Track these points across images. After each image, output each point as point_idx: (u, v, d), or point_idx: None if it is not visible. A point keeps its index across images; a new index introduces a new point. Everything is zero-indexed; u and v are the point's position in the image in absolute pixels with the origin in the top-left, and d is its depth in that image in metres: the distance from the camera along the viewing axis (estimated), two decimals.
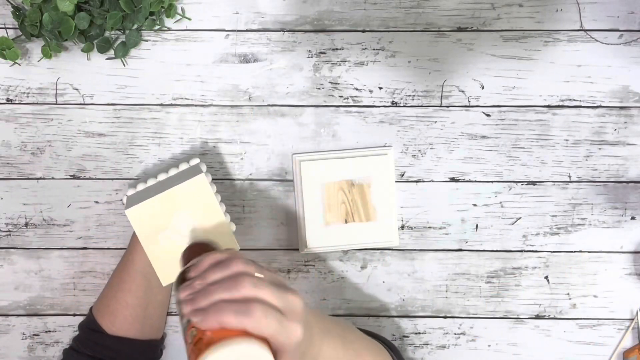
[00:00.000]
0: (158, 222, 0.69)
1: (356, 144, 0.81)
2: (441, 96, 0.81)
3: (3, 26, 0.80)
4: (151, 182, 0.74)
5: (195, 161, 0.75)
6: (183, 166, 0.75)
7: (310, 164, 0.80)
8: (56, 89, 0.80)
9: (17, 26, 0.78)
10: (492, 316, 0.83)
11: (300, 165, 0.80)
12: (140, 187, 0.75)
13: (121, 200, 0.81)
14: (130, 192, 0.75)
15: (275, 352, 0.50)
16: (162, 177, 0.74)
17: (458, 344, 0.83)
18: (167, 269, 0.70)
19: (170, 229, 0.69)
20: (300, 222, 0.81)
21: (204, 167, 0.74)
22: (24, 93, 0.80)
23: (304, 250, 0.81)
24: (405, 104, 0.81)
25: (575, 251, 0.82)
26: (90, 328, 0.75)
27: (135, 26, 0.79)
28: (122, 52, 0.79)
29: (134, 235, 0.76)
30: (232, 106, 0.81)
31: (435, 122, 0.81)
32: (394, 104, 0.81)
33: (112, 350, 0.74)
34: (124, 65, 0.80)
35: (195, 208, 0.69)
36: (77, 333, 0.78)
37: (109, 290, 0.76)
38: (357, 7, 0.80)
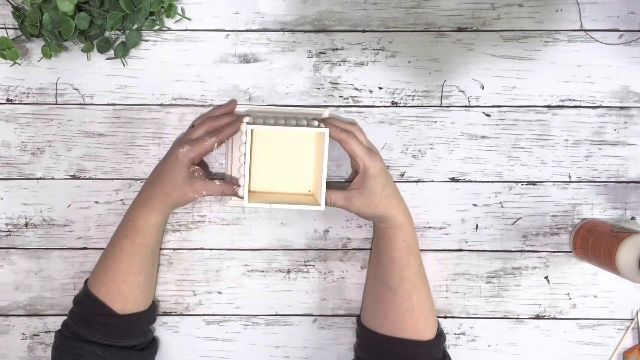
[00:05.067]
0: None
1: None
2: (441, 96, 0.81)
3: (3, 26, 0.80)
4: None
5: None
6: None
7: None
8: (56, 89, 0.80)
9: (17, 26, 0.78)
10: (492, 316, 0.83)
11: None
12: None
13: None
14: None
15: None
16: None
17: (458, 344, 0.83)
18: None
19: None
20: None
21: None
22: (24, 93, 0.80)
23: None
24: (405, 104, 0.81)
25: None
26: (101, 313, 0.75)
27: (135, 26, 0.79)
28: (122, 52, 0.79)
29: (145, 219, 0.75)
30: None
31: (435, 122, 0.81)
32: (394, 104, 0.81)
33: (123, 328, 0.75)
34: (124, 65, 0.80)
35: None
36: (76, 326, 0.76)
37: (118, 275, 0.75)
38: (357, 7, 0.80)
